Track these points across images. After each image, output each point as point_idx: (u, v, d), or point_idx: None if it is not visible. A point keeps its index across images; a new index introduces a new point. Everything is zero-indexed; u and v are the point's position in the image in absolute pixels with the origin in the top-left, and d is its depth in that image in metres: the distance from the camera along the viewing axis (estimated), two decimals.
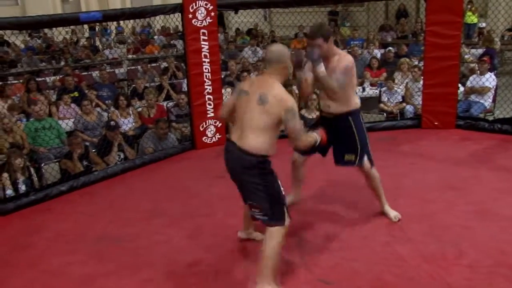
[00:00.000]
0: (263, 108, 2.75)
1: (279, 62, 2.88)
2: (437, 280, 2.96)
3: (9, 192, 4.86)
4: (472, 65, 7.43)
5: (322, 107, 3.63)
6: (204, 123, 5.90)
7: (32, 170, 5.18)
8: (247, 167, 2.81)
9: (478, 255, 3.23)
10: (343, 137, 3.57)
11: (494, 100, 6.64)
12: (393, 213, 3.78)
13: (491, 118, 6.29)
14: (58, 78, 9.13)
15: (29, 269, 3.48)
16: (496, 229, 3.56)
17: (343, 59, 3.41)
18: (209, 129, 5.95)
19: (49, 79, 9.41)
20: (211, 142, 5.95)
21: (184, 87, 7.17)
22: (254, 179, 2.82)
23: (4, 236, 4.10)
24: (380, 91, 7.20)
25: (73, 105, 6.84)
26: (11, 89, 7.65)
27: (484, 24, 11.24)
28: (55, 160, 5.56)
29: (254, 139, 2.78)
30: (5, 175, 4.93)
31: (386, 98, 7.02)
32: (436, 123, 6.04)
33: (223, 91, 6.23)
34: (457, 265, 3.13)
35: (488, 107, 6.57)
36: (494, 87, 6.60)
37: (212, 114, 5.90)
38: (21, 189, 4.90)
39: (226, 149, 2.94)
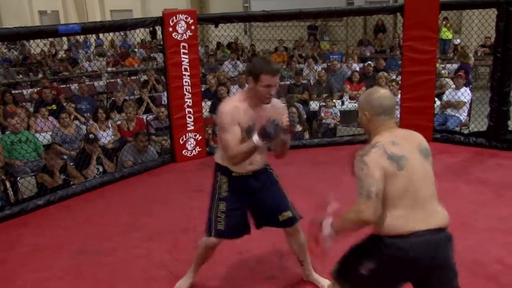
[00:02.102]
0: (429, 161, 2.23)
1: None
2: None
3: None
4: (444, 81, 7.59)
5: (241, 167, 2.75)
6: (184, 136, 5.88)
7: (7, 183, 5.09)
8: (451, 246, 2.22)
9: (457, 267, 3.26)
10: (271, 193, 2.88)
11: (469, 114, 6.78)
12: (325, 282, 3.01)
13: (466, 132, 6.42)
14: (35, 90, 9.03)
15: (3, 286, 3.41)
16: (472, 241, 3.62)
17: (280, 105, 2.92)
18: (189, 142, 5.93)
19: (26, 92, 9.29)
20: (191, 155, 5.92)
21: (164, 100, 7.15)
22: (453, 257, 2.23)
23: None
24: None
25: (51, 118, 6.76)
26: None
27: (458, 40, 11.51)
28: (32, 174, 5.47)
29: (440, 207, 2.22)
30: None
31: None
32: None
33: (203, 104, 6.23)
34: None
35: (463, 120, 6.71)
36: (469, 101, 6.74)
37: (192, 127, 5.89)
38: None
39: (414, 246, 2.08)
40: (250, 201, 2.83)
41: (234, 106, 2.62)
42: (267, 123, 2.48)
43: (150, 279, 3.34)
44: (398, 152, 2.11)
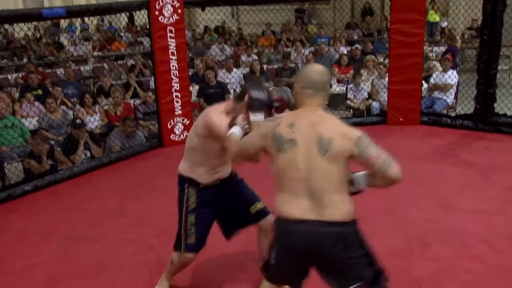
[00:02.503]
0: (329, 155, 1.97)
1: (326, 89, 2.14)
2: (403, 273, 3.02)
3: None
4: (431, 64, 7.61)
5: (208, 177, 2.70)
6: (171, 120, 5.85)
7: None
8: (347, 244, 1.99)
9: (441, 248, 3.32)
10: (239, 191, 2.81)
11: (456, 97, 6.82)
12: None
13: (453, 114, 6.46)
14: (20, 75, 8.90)
15: None
16: (458, 222, 3.67)
17: None
18: (177, 127, 5.91)
19: (11, 77, 9.15)
20: (179, 139, 5.91)
21: (151, 85, 7.09)
22: (357, 252, 2.04)
23: None
24: (346, 88, 7.30)
25: (36, 103, 6.68)
26: None
27: (445, 23, 11.52)
28: (18, 159, 5.42)
29: (339, 201, 2.00)
30: None
31: (353, 95, 7.12)
32: (401, 119, 6.17)
33: (190, 88, 6.20)
34: (422, 258, 3.21)
35: (450, 103, 6.74)
36: (456, 83, 6.77)
37: (180, 112, 5.87)
38: None
39: (293, 233, 1.99)
40: (219, 208, 2.76)
41: (222, 118, 2.50)
42: (251, 91, 2.39)
43: (139, 263, 3.35)
44: (288, 135, 2.01)
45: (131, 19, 14.72)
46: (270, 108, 2.47)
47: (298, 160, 1.98)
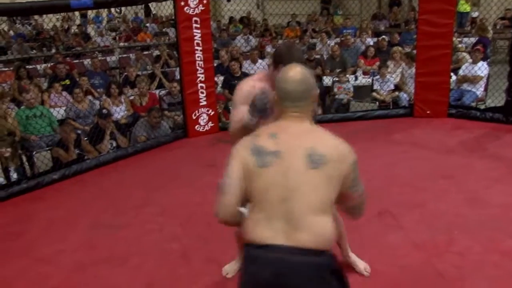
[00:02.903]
0: (318, 172, 1.70)
1: (308, 98, 1.84)
2: (428, 268, 2.99)
3: (1, 180, 4.84)
4: (461, 55, 7.44)
5: None
6: (196, 111, 5.87)
7: (23, 158, 5.15)
8: (322, 280, 1.69)
9: (468, 242, 3.26)
10: None
11: (486, 89, 6.67)
12: (362, 265, 3.01)
13: (482, 107, 6.32)
14: (49, 65, 9.05)
15: (21, 257, 3.47)
16: (486, 217, 3.59)
17: None
18: (202, 118, 5.93)
19: (40, 67, 9.32)
20: (204, 130, 5.93)
21: (177, 75, 7.13)
22: None
23: None
24: (372, 80, 7.21)
25: (64, 93, 6.79)
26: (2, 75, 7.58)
27: (476, 13, 11.24)
28: (47, 148, 5.53)
29: (318, 226, 1.69)
30: None
31: (379, 86, 7.03)
32: (428, 112, 6.06)
33: (215, 79, 6.21)
34: (448, 252, 3.16)
35: (480, 95, 6.60)
36: (486, 75, 6.62)
37: (205, 103, 5.88)
38: (12, 177, 4.88)
39: (259, 260, 1.70)
40: None
41: (251, 85, 2.48)
42: (257, 96, 2.29)
43: (163, 252, 3.38)
44: (271, 146, 1.72)
45: (146, 11, 14.82)
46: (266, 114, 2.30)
47: (282, 175, 1.69)
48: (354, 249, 3.10)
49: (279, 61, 2.33)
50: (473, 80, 6.53)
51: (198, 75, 5.79)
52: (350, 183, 1.76)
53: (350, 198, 1.79)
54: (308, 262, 1.66)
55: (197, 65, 5.75)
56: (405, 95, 6.75)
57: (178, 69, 6.27)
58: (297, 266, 1.65)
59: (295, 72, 1.82)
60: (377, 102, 6.97)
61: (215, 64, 6.54)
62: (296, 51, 2.41)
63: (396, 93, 6.90)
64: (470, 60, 6.73)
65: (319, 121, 7.05)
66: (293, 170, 1.68)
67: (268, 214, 1.69)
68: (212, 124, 5.98)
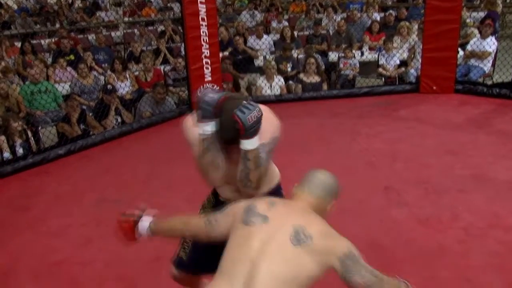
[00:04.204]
0: (300, 249, 1.58)
1: (326, 198, 1.81)
2: (432, 242, 3.01)
3: (7, 155, 4.87)
4: (469, 30, 7.33)
5: (226, 192, 2.10)
6: (201, 86, 5.84)
7: (29, 133, 5.17)
8: None
9: (472, 218, 3.27)
10: None
11: (493, 64, 6.59)
12: None
13: (490, 83, 6.26)
14: (53, 40, 9.00)
15: (29, 231, 3.52)
16: (491, 193, 3.59)
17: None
18: None
19: (44, 42, 9.27)
20: None
21: (182, 51, 7.09)
22: None
23: (3, 198, 4.13)
24: (378, 55, 7.13)
25: (69, 69, 6.77)
26: (6, 51, 7.55)
27: None
28: (52, 124, 5.54)
29: None
30: (3, 138, 4.92)
31: (385, 62, 6.95)
32: (434, 88, 6.02)
33: (220, 54, 6.17)
34: (452, 228, 3.17)
35: (487, 71, 6.52)
36: (494, 51, 6.53)
37: (210, 78, 5.86)
38: (18, 152, 4.91)
39: None
40: None
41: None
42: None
43: None
44: (263, 211, 1.67)
45: None
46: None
47: (258, 238, 1.59)
48: (357, 225, 3.12)
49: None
50: (481, 55, 6.45)
51: (203, 50, 5.75)
52: (342, 273, 1.58)
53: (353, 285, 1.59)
54: None
55: (202, 40, 5.70)
56: (412, 71, 6.68)
57: (183, 44, 6.23)
58: None
59: (328, 175, 1.87)
60: (383, 78, 6.91)
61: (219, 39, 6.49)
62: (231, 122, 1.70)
63: (403, 68, 6.84)
64: (479, 35, 6.63)
65: (324, 97, 7.02)
66: (273, 239, 1.59)
67: (230, 276, 1.57)
68: None
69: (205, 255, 2.06)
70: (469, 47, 6.58)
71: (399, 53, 7.03)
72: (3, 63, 6.74)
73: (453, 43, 5.84)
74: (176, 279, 2.30)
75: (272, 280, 1.52)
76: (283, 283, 1.53)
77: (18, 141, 4.97)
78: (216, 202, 2.14)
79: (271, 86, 6.45)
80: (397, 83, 6.73)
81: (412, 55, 6.79)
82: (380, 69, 6.96)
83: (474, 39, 6.63)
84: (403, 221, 3.28)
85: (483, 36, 6.48)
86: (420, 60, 6.55)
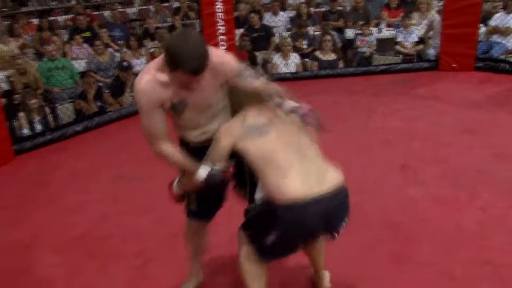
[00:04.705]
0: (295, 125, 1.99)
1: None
2: (449, 221, 2.98)
3: (26, 131, 4.93)
4: (492, 5, 7.12)
5: (194, 136, 2.16)
6: None
7: (47, 110, 5.22)
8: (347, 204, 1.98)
9: (491, 197, 3.23)
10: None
11: None
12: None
13: None
14: (69, 17, 9.00)
15: (48, 206, 3.58)
16: (510, 172, 3.54)
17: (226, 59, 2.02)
18: None
19: (61, 18, 9.28)
20: None
21: (197, 28, 7.03)
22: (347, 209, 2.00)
23: (23, 174, 4.19)
24: (396, 32, 7.00)
25: (85, 45, 6.78)
26: (23, 27, 7.57)
27: None
28: (69, 100, 5.58)
29: (326, 165, 1.96)
30: (22, 114, 4.98)
31: (403, 38, 6.82)
32: (454, 65, 5.90)
33: (235, 31, 6.11)
34: (470, 207, 3.14)
35: (510, 48, 6.35)
36: None
37: None
38: (37, 129, 4.96)
39: (309, 213, 1.83)
40: None
41: (151, 80, 1.90)
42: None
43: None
44: (263, 120, 1.95)
45: None
46: None
47: (285, 135, 1.92)
48: (373, 204, 3.11)
49: (176, 65, 1.78)
50: (504, 31, 6.27)
51: (219, 27, 5.70)
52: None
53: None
54: (344, 194, 1.92)
55: (217, 16, 5.65)
56: (433, 51, 6.52)
57: (198, 21, 6.18)
58: (339, 201, 1.89)
59: None
60: (401, 55, 6.79)
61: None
62: (195, 46, 1.77)
63: (421, 46, 6.71)
64: (502, 10, 6.44)
65: (340, 74, 6.91)
66: (289, 129, 1.93)
67: (289, 170, 1.82)
68: None
69: (210, 200, 2.26)
70: (492, 23, 6.41)
71: (417, 30, 6.89)
72: (21, 40, 6.77)
73: (475, 18, 5.70)
74: (191, 230, 2.41)
75: (316, 152, 1.94)
76: (317, 151, 1.95)
77: (37, 118, 5.02)
78: (187, 149, 2.17)
79: (286, 63, 6.39)
80: (415, 60, 6.61)
81: (430, 32, 6.63)
82: (398, 47, 6.84)
83: (498, 14, 6.44)
84: (419, 200, 3.25)
85: (508, 11, 6.28)
86: (439, 37, 6.42)
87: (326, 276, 2.42)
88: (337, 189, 1.87)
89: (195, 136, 2.13)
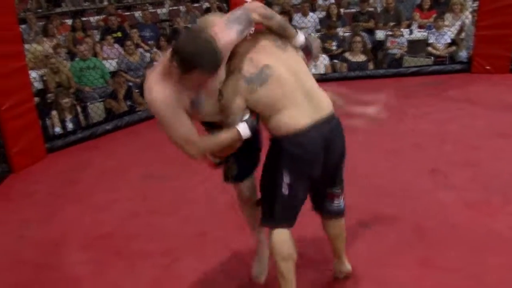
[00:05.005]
0: (296, 52, 2.10)
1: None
2: (480, 226, 2.91)
3: (58, 130, 5.04)
4: None
5: None
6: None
7: (78, 109, 5.32)
8: (342, 132, 2.12)
9: None
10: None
11: None
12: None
13: None
14: (101, 18, 9.17)
15: (78, 203, 3.64)
16: None
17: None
18: None
19: (93, 19, 9.46)
20: None
21: None
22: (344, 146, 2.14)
23: (54, 171, 4.28)
24: (428, 34, 6.88)
25: (116, 45, 6.88)
26: (57, 28, 7.74)
27: None
28: (100, 100, 5.67)
29: (323, 93, 2.08)
30: (54, 113, 5.09)
31: (435, 40, 6.70)
32: (487, 68, 5.77)
33: None
34: (502, 213, 3.06)
35: None
36: None
37: None
38: (68, 127, 5.07)
39: (312, 139, 1.96)
40: None
41: (166, 88, 1.85)
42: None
43: (212, 202, 3.45)
44: (259, 64, 1.95)
45: None
46: None
47: (282, 72, 1.95)
48: (402, 208, 3.05)
49: (194, 66, 1.73)
50: None
51: None
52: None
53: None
54: (338, 127, 2.06)
55: None
56: (464, 54, 6.38)
57: None
58: (335, 128, 2.04)
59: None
60: (432, 57, 6.67)
61: None
62: (207, 42, 1.75)
63: (453, 48, 6.58)
64: None
65: (370, 76, 6.87)
66: (283, 61, 1.98)
67: (294, 104, 1.94)
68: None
69: (248, 157, 2.30)
70: None
71: (450, 31, 6.76)
72: (54, 40, 6.93)
73: (511, 19, 5.55)
74: (242, 197, 2.51)
75: (312, 82, 2.03)
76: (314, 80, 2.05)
77: (68, 117, 5.13)
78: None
79: (315, 64, 6.35)
80: (447, 62, 6.49)
81: (462, 33, 6.50)
82: (430, 48, 6.72)
83: None
84: (450, 205, 3.18)
85: None
86: (471, 39, 6.29)
87: (346, 261, 2.44)
88: (330, 115, 2.02)
89: (216, 118, 2.13)
